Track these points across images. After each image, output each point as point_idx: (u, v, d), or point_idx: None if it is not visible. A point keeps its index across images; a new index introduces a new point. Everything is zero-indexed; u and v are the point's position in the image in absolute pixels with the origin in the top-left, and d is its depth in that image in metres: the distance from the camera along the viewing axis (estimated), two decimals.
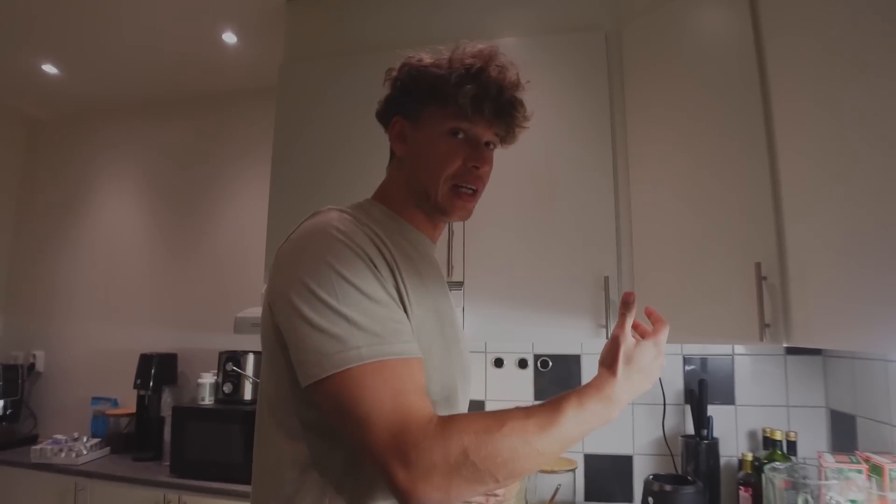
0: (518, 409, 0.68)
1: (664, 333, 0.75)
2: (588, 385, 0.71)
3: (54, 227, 3.27)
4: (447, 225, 1.82)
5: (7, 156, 3.33)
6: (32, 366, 3.07)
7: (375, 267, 0.72)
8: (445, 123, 0.83)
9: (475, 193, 0.86)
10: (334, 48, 2.16)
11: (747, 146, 1.50)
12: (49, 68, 2.82)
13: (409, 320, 0.73)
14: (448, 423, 0.64)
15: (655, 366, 0.73)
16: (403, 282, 0.75)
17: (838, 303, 1.24)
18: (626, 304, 0.74)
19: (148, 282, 3.03)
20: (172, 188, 3.10)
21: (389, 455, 0.62)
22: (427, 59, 0.86)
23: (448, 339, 0.84)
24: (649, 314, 0.79)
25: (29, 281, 3.26)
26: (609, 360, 0.71)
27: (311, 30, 2.22)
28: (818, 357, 1.89)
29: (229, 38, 2.52)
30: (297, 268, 0.72)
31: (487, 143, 0.86)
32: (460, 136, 0.83)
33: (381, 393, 0.64)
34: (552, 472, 1.83)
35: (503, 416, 0.66)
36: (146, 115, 3.23)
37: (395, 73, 0.88)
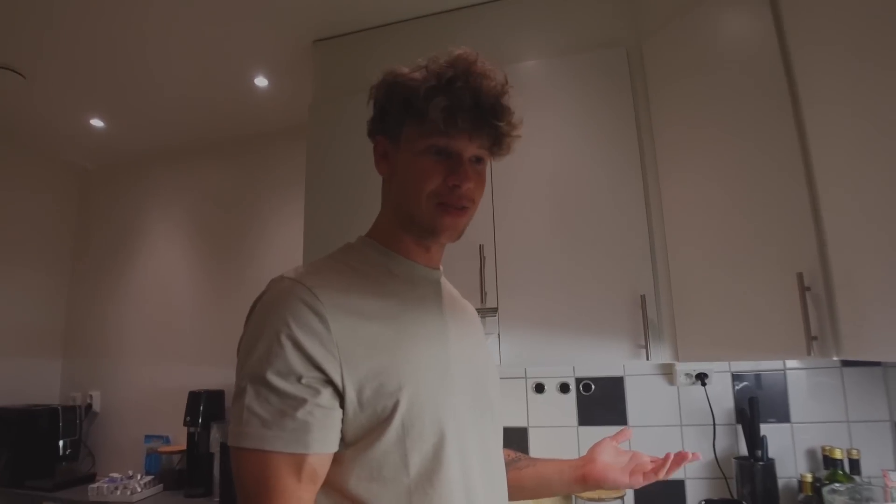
0: None
1: None
2: None
3: (105, 271, 3.42)
4: (479, 250, 1.83)
5: (61, 206, 3.52)
6: (90, 406, 3.18)
7: (303, 348, 0.67)
8: (422, 140, 0.77)
9: (464, 210, 0.79)
10: (360, 84, 2.19)
11: (779, 154, 1.45)
12: (96, 122, 2.98)
13: (352, 385, 0.68)
14: None
15: None
16: (359, 338, 0.70)
17: (891, 310, 1.17)
18: None
19: (194, 320, 3.11)
20: (215, 228, 3.20)
21: None
22: (404, 71, 0.80)
23: (453, 370, 0.79)
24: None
25: (84, 324, 3.40)
26: None
27: (337, 68, 2.28)
28: (878, 368, 1.79)
29: (261, 81, 2.61)
30: (241, 340, 0.73)
31: (478, 159, 0.80)
32: (440, 152, 0.77)
33: (249, 478, 0.65)
34: (599, 500, 1.77)
35: None
36: (186, 160, 3.36)
37: (374, 91, 0.84)
